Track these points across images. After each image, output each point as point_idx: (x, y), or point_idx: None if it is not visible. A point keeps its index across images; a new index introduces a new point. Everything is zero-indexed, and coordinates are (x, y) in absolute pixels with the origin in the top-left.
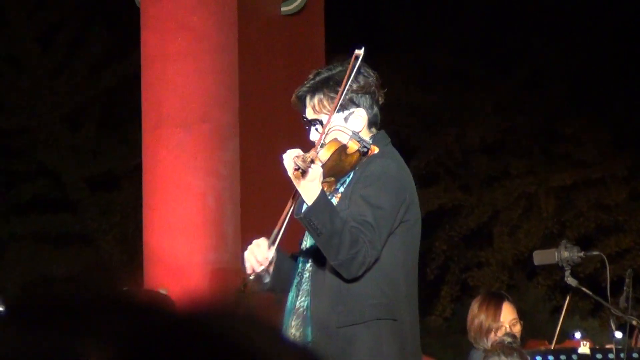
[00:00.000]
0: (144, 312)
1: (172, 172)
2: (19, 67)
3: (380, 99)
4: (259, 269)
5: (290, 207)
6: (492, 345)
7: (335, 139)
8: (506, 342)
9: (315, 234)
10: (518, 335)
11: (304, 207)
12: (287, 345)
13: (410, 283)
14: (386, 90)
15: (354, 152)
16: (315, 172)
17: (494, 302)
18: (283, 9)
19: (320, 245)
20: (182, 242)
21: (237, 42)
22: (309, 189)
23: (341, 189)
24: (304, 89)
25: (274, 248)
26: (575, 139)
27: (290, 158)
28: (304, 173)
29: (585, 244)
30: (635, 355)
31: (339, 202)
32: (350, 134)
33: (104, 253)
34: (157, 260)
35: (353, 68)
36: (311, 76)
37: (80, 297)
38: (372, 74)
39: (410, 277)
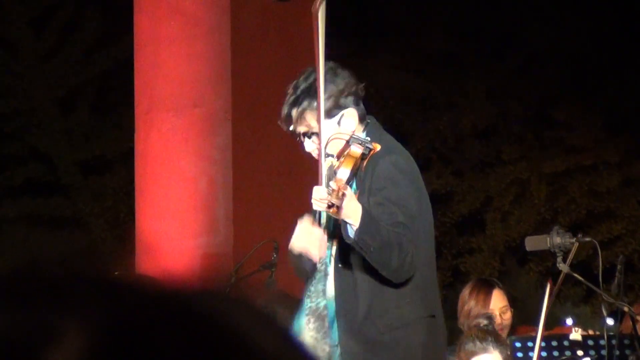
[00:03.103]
0: (127, 291)
1: (164, 157)
2: (12, 51)
3: (361, 93)
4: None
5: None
6: (467, 330)
7: (350, 153)
8: (482, 324)
9: (368, 252)
10: (508, 322)
11: (348, 229)
12: (274, 329)
13: (434, 273)
14: (364, 84)
15: (359, 156)
16: (350, 195)
17: (484, 289)
18: None
19: (373, 259)
20: (173, 226)
21: (230, 27)
22: (352, 211)
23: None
24: (288, 105)
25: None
26: (568, 125)
27: (323, 197)
28: (338, 208)
29: (577, 230)
30: (626, 341)
31: None
32: (349, 138)
33: (96, 237)
34: (149, 244)
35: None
36: (290, 90)
37: (63, 277)
38: (347, 73)
39: (433, 269)
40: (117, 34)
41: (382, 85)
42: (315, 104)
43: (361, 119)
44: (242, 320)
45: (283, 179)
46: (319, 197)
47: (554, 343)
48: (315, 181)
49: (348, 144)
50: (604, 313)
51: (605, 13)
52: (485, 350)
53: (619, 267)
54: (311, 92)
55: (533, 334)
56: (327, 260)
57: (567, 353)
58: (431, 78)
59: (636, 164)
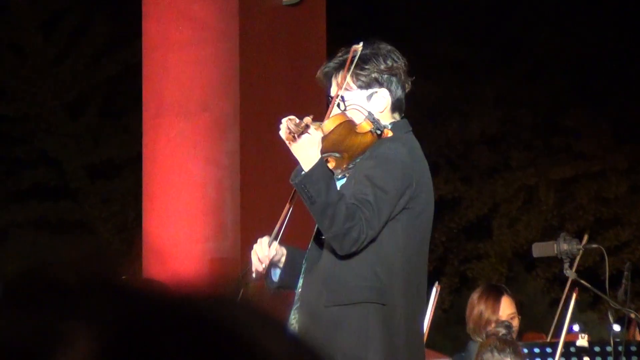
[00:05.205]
0: (136, 296)
1: (172, 161)
2: (21, 55)
3: (407, 86)
4: (260, 267)
5: (291, 204)
6: (486, 338)
7: (343, 114)
8: (500, 334)
9: (309, 202)
10: (516, 329)
11: (301, 173)
12: (285, 334)
13: (410, 271)
14: (414, 78)
15: (366, 133)
16: (313, 139)
17: (494, 295)
18: None
19: (314, 214)
20: (181, 231)
21: (239, 32)
22: (307, 155)
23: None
24: (331, 65)
25: (275, 244)
26: (576, 131)
27: (282, 125)
28: (295, 138)
29: (584, 236)
30: (633, 348)
31: (346, 182)
32: (366, 114)
33: (104, 241)
34: (156, 249)
35: (352, 62)
36: (340, 54)
37: (72, 281)
38: (400, 59)
39: (411, 265)
40: (125, 39)
41: None
42: (357, 70)
43: (394, 109)
44: (251, 325)
45: (290, 185)
46: (286, 122)
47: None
48: None
49: (360, 119)
50: (611, 320)
51: (613, 21)
52: None
53: (626, 273)
54: (357, 60)
55: (540, 341)
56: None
57: (574, 359)
58: (440, 84)
59: None
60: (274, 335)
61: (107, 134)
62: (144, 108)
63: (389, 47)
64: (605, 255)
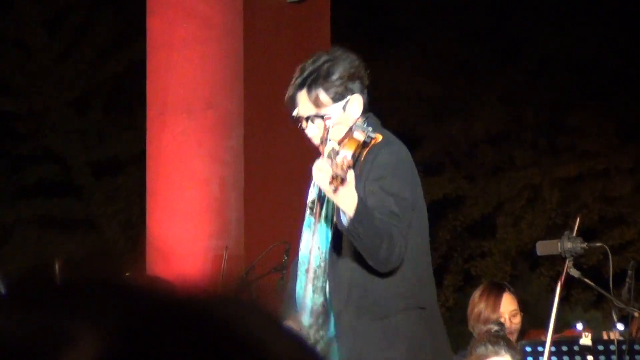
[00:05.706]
0: (140, 295)
1: (177, 159)
2: (26, 51)
3: (366, 81)
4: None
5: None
6: (479, 335)
7: (353, 137)
8: (493, 330)
9: (358, 242)
10: (518, 326)
11: (342, 217)
12: (287, 334)
13: (428, 267)
14: (369, 71)
15: (360, 143)
16: (351, 178)
17: (495, 292)
18: None
19: (362, 248)
20: (185, 229)
21: (243, 30)
22: (349, 197)
23: None
24: (294, 87)
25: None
26: (580, 130)
27: (326, 169)
28: (342, 181)
29: (588, 235)
30: (637, 346)
31: None
32: (353, 125)
33: (108, 238)
34: (160, 246)
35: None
36: (298, 73)
37: (76, 280)
38: (356, 58)
39: (427, 261)
40: (130, 36)
41: (395, 89)
42: (326, 84)
43: (364, 110)
44: (256, 326)
45: (295, 181)
46: (323, 167)
47: (564, 348)
48: None
49: (350, 130)
50: (615, 318)
51: (618, 19)
52: (496, 354)
53: (629, 272)
54: (319, 74)
55: (544, 338)
56: (323, 255)
57: (578, 358)
58: (444, 83)
59: None
60: (277, 335)
61: (111, 131)
62: (148, 105)
63: (339, 49)
64: (610, 254)
